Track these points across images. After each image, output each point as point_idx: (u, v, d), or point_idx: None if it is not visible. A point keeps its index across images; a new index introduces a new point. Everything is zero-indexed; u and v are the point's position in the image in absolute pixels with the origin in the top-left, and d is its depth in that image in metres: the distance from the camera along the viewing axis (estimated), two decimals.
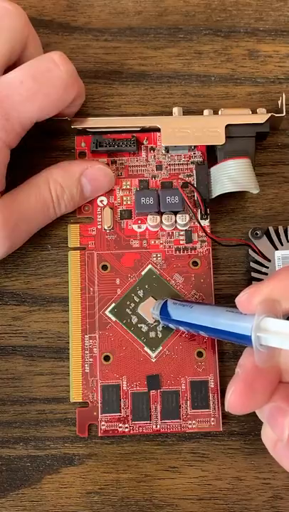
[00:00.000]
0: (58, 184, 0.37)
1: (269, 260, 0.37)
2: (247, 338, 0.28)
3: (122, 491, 0.36)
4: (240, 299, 0.29)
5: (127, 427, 0.36)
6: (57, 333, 0.38)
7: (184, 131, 0.38)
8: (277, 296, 0.28)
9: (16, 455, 0.37)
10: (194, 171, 0.39)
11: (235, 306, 0.30)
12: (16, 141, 0.35)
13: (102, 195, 0.39)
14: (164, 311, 0.36)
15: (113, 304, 0.38)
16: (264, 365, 0.28)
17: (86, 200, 0.38)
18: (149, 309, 0.37)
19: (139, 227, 0.39)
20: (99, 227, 0.38)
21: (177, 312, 0.35)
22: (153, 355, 0.37)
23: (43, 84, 0.34)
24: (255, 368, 0.29)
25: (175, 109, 0.39)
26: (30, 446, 0.37)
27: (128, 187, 0.39)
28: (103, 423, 0.36)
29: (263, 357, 0.28)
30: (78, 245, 0.38)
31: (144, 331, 0.37)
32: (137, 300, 0.38)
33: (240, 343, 0.29)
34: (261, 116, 0.38)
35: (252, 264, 0.37)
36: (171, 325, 0.36)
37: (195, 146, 0.39)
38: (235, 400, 0.29)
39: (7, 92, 0.34)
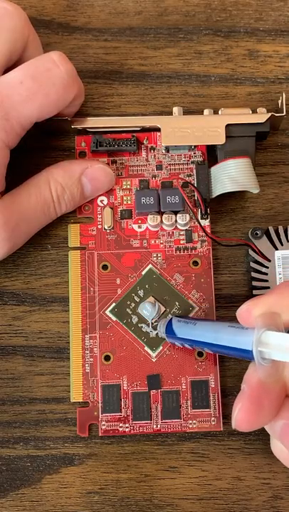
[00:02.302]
0: (59, 184, 0.37)
1: (269, 260, 0.37)
2: (249, 353, 0.27)
3: (122, 491, 0.36)
4: (240, 312, 0.29)
5: (127, 427, 0.36)
6: (57, 333, 0.38)
7: (184, 130, 0.38)
8: (277, 309, 0.28)
9: (16, 455, 0.37)
10: (194, 171, 0.39)
11: (236, 319, 0.30)
12: (16, 141, 0.35)
13: (102, 195, 0.39)
14: (169, 329, 0.35)
15: (113, 304, 0.37)
16: (268, 380, 0.28)
17: (86, 199, 0.38)
18: (148, 309, 0.37)
19: (140, 227, 0.39)
20: (99, 226, 0.38)
21: (181, 330, 0.35)
22: (153, 354, 0.37)
23: (42, 84, 0.34)
24: (260, 384, 0.28)
25: (175, 109, 0.39)
26: (30, 446, 0.37)
27: (128, 187, 0.39)
28: (104, 423, 0.36)
29: (267, 371, 0.27)
30: (78, 245, 0.38)
31: (144, 330, 0.37)
32: (138, 300, 0.38)
33: (244, 358, 0.29)
34: (261, 116, 0.38)
35: (252, 264, 0.37)
36: (177, 343, 0.36)
37: (195, 146, 0.39)
38: (243, 418, 0.28)
39: (7, 92, 0.34)
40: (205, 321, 0.35)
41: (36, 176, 0.37)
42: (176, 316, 0.36)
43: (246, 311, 0.29)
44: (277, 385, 0.29)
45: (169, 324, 0.36)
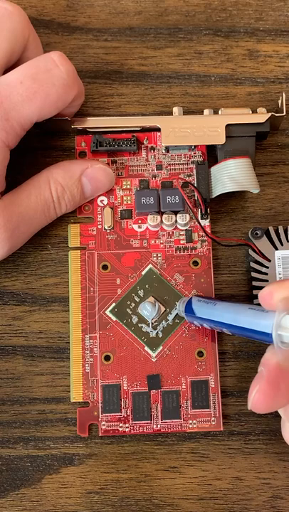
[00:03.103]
0: (59, 184, 0.37)
1: (269, 260, 0.37)
2: (268, 336, 0.28)
3: (122, 491, 0.36)
4: (263, 294, 0.29)
5: (127, 427, 0.36)
6: (57, 333, 0.38)
7: (184, 130, 0.38)
8: None
9: (16, 455, 0.37)
10: (194, 171, 0.39)
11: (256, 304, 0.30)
12: (16, 142, 0.35)
13: (102, 195, 0.39)
14: (188, 308, 0.36)
15: (113, 304, 0.37)
16: (287, 364, 0.28)
17: (86, 199, 0.38)
18: (149, 309, 0.37)
19: (140, 227, 0.39)
20: (99, 226, 0.38)
21: (201, 310, 0.35)
22: (153, 354, 0.37)
23: (42, 84, 0.34)
24: (278, 367, 0.28)
25: (175, 109, 0.39)
26: (30, 446, 0.37)
27: (128, 187, 0.39)
28: (104, 423, 0.36)
29: (285, 355, 0.27)
30: (78, 245, 0.38)
31: (144, 330, 0.37)
32: (138, 300, 0.38)
33: (263, 341, 0.29)
34: (261, 116, 0.38)
35: (252, 264, 0.37)
36: (196, 322, 0.36)
37: (195, 146, 0.39)
38: (260, 399, 0.28)
39: (7, 92, 0.34)
40: (225, 302, 0.35)
41: (36, 176, 0.37)
42: (197, 296, 0.36)
43: (268, 293, 0.29)
44: None
45: (189, 303, 0.36)
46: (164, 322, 0.37)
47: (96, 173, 0.38)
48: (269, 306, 0.29)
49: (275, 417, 0.36)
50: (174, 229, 0.38)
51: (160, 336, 0.37)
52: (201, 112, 0.39)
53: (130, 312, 0.37)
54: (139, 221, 0.39)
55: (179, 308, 0.37)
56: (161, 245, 0.38)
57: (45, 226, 0.38)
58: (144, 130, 0.39)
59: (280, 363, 0.28)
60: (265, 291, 0.29)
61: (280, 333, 0.27)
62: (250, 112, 0.39)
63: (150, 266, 0.38)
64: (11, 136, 0.34)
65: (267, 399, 0.28)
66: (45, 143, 0.40)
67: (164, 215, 0.38)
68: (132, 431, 0.36)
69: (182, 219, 0.38)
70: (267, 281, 0.37)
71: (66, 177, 0.37)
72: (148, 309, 0.37)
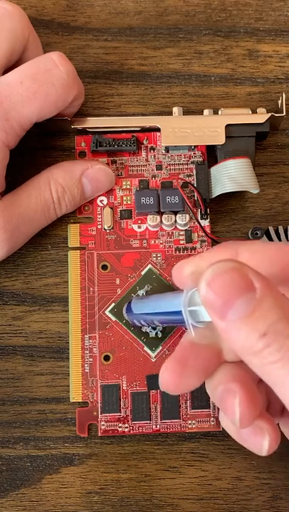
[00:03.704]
0: (59, 185, 0.37)
1: None
2: (180, 314, 0.27)
3: (122, 491, 0.36)
4: (172, 271, 0.29)
5: (126, 427, 0.36)
6: (57, 333, 0.38)
7: (184, 131, 0.38)
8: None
9: (16, 455, 0.37)
10: (194, 171, 0.39)
11: None
12: (16, 142, 0.35)
13: (102, 195, 0.39)
14: (128, 308, 0.36)
15: (113, 304, 0.37)
16: (202, 342, 0.27)
17: (86, 200, 0.38)
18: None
19: (139, 227, 0.39)
20: (99, 227, 0.38)
21: (136, 305, 0.35)
22: (153, 354, 0.37)
23: (42, 84, 0.34)
24: (190, 346, 0.28)
25: (175, 109, 0.39)
26: (30, 446, 0.37)
27: (128, 187, 0.39)
28: (103, 423, 0.36)
29: (201, 333, 0.27)
30: (78, 245, 0.38)
31: (144, 330, 0.37)
32: None
33: (182, 325, 0.27)
34: (261, 116, 0.38)
35: None
36: (135, 321, 0.36)
37: (195, 146, 0.39)
38: (167, 378, 0.28)
39: (7, 92, 0.34)
40: (161, 293, 0.34)
41: (36, 176, 0.37)
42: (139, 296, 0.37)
43: (176, 269, 0.28)
44: (209, 348, 0.28)
45: (129, 304, 0.36)
46: None
47: (96, 173, 0.38)
48: (178, 282, 0.28)
49: None
50: (173, 229, 0.38)
51: (159, 336, 0.37)
52: (201, 112, 0.39)
53: None
54: (139, 221, 0.39)
55: (123, 312, 0.37)
56: (161, 245, 0.38)
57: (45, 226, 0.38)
58: (144, 130, 0.39)
59: (195, 341, 0.27)
60: (174, 268, 0.28)
61: (190, 309, 0.26)
62: (250, 112, 0.39)
63: (150, 266, 0.38)
64: (10, 136, 0.35)
65: (174, 377, 0.27)
66: (45, 143, 0.40)
67: (164, 215, 0.38)
68: (131, 431, 0.36)
69: (182, 219, 0.38)
70: None
71: (66, 178, 0.37)
72: None
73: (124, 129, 0.39)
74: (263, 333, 0.23)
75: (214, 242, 0.38)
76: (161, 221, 0.38)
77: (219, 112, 0.39)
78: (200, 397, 0.36)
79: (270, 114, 0.38)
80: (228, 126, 0.38)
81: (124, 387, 0.37)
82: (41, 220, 0.37)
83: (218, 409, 0.36)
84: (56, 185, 0.37)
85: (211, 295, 0.24)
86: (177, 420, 0.36)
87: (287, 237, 0.37)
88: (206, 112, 0.39)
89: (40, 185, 0.36)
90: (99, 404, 0.36)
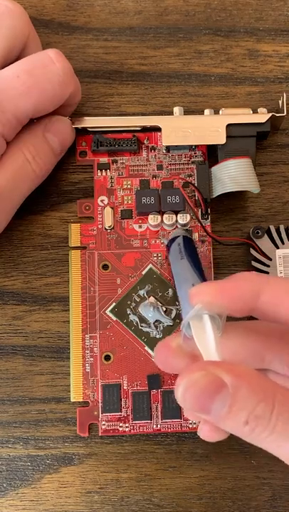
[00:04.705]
0: (30, 145, 0.36)
1: (270, 259, 0.37)
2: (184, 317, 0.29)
3: (122, 491, 0.36)
4: (192, 292, 0.29)
5: (127, 427, 0.36)
6: (57, 333, 0.38)
7: (185, 130, 0.38)
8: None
9: (16, 455, 0.37)
10: (195, 171, 0.39)
11: None
12: (12, 135, 0.35)
13: (102, 195, 0.39)
14: (171, 242, 0.36)
15: (114, 304, 0.37)
16: (187, 349, 0.29)
17: (59, 155, 0.38)
18: (149, 309, 0.37)
19: (140, 227, 0.38)
20: (100, 226, 0.38)
21: (173, 254, 0.36)
22: (153, 354, 0.37)
23: (38, 79, 0.35)
24: (176, 347, 0.30)
25: (176, 109, 0.39)
26: (30, 446, 0.37)
27: (129, 187, 0.39)
28: (104, 422, 0.36)
29: (188, 342, 0.28)
30: (79, 245, 0.38)
31: (144, 330, 0.37)
32: (138, 300, 0.37)
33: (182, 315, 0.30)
34: (262, 116, 0.38)
35: (253, 263, 0.37)
36: (170, 257, 0.36)
37: (196, 146, 0.39)
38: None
39: (3, 86, 0.34)
40: (191, 263, 0.35)
41: (6, 151, 0.36)
42: (186, 238, 0.37)
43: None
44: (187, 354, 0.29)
45: (172, 240, 0.36)
46: (164, 322, 0.37)
47: (57, 125, 0.37)
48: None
49: None
50: (174, 229, 0.38)
51: (160, 335, 0.37)
52: (201, 112, 0.39)
53: (130, 312, 0.37)
54: (140, 221, 0.39)
55: (163, 239, 0.38)
56: (162, 245, 0.38)
57: (45, 226, 0.38)
58: (145, 130, 0.39)
59: (182, 346, 0.29)
60: (193, 291, 0.29)
61: (191, 322, 0.28)
62: (251, 112, 0.39)
63: (150, 266, 0.38)
64: (7, 128, 0.35)
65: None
66: None
67: (165, 215, 0.38)
68: (132, 431, 0.36)
69: (183, 219, 0.38)
70: None
71: (32, 137, 0.37)
72: (148, 309, 0.37)
73: (125, 129, 0.39)
74: (245, 421, 0.25)
75: (214, 242, 0.38)
76: (162, 221, 0.38)
77: (220, 112, 0.39)
78: None
79: (271, 114, 0.38)
80: (228, 126, 0.38)
81: (125, 387, 0.37)
82: (23, 186, 0.36)
83: None
84: (27, 146, 0.36)
85: (188, 405, 0.26)
86: (178, 420, 0.36)
87: (288, 236, 0.38)
88: (206, 111, 0.39)
89: (11, 154, 0.36)
90: (99, 404, 0.36)
